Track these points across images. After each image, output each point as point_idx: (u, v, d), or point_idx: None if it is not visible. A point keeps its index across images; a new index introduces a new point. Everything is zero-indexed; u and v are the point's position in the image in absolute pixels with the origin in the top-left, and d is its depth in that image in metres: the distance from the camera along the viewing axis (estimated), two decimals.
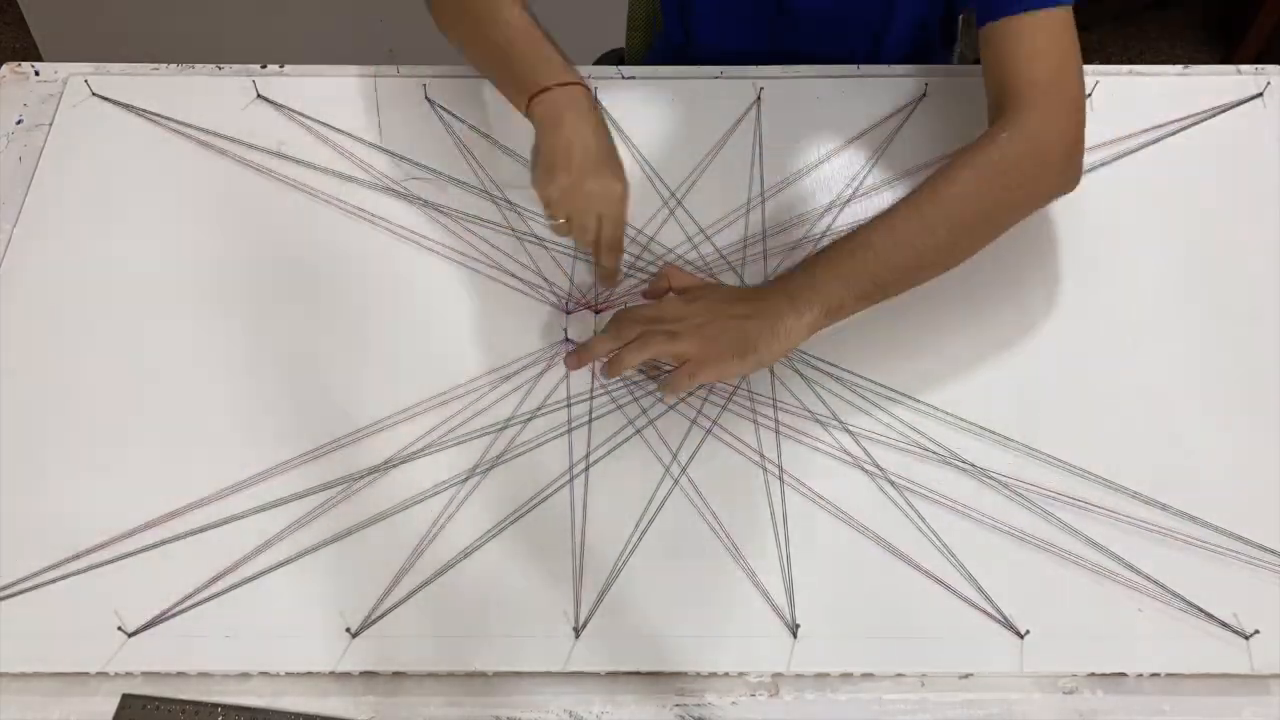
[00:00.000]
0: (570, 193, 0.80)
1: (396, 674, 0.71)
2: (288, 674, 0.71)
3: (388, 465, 0.78)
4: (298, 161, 0.93)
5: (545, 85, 0.81)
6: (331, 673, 0.71)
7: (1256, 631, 0.72)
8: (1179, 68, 1.00)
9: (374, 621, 0.72)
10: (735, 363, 0.75)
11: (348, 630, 0.72)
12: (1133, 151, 0.94)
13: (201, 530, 0.76)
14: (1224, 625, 0.73)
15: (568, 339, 0.84)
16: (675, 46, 1.10)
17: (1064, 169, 0.82)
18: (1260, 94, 0.97)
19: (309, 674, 0.71)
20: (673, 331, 0.75)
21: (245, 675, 0.71)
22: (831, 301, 0.76)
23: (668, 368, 0.80)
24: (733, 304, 0.77)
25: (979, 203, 0.79)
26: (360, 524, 0.76)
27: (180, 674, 0.71)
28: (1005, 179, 0.79)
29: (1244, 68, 0.99)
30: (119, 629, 0.72)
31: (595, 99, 0.84)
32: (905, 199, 0.79)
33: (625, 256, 0.88)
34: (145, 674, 0.71)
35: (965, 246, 0.80)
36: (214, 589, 0.74)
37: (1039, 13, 0.81)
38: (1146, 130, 0.95)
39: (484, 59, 0.88)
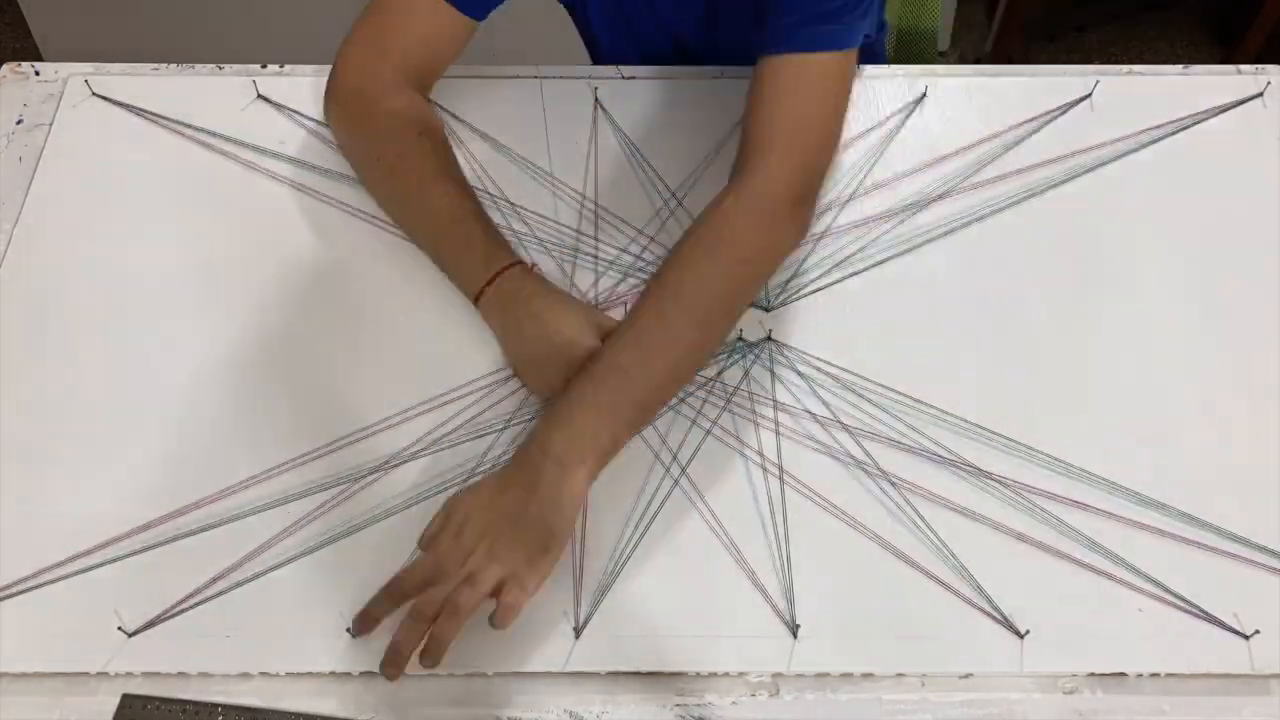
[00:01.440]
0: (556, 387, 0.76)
1: None
2: (288, 674, 0.71)
3: (388, 465, 0.78)
4: (298, 161, 0.93)
5: (477, 289, 0.80)
6: (331, 673, 0.71)
7: (1257, 631, 0.72)
8: (1179, 68, 1.00)
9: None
10: (545, 557, 0.69)
11: (348, 630, 0.72)
12: (1133, 151, 0.94)
13: (201, 530, 0.76)
14: (1224, 625, 0.73)
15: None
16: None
17: (790, 224, 0.80)
18: (1260, 94, 0.97)
19: (309, 674, 0.71)
20: (471, 575, 0.68)
21: (245, 675, 0.71)
22: (601, 444, 0.71)
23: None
24: (502, 504, 0.70)
25: (717, 285, 0.77)
26: (360, 524, 0.76)
27: (180, 674, 0.71)
28: (738, 253, 0.77)
29: (1244, 68, 0.99)
30: (119, 629, 0.72)
31: (527, 277, 0.80)
32: (642, 303, 0.77)
33: (626, 256, 0.88)
34: (145, 674, 0.71)
35: (714, 334, 0.78)
36: (214, 589, 0.74)
37: (802, 55, 0.78)
38: (1146, 130, 0.95)
39: (415, 242, 0.86)
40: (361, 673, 0.71)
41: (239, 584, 0.74)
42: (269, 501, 0.77)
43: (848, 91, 0.82)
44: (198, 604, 0.73)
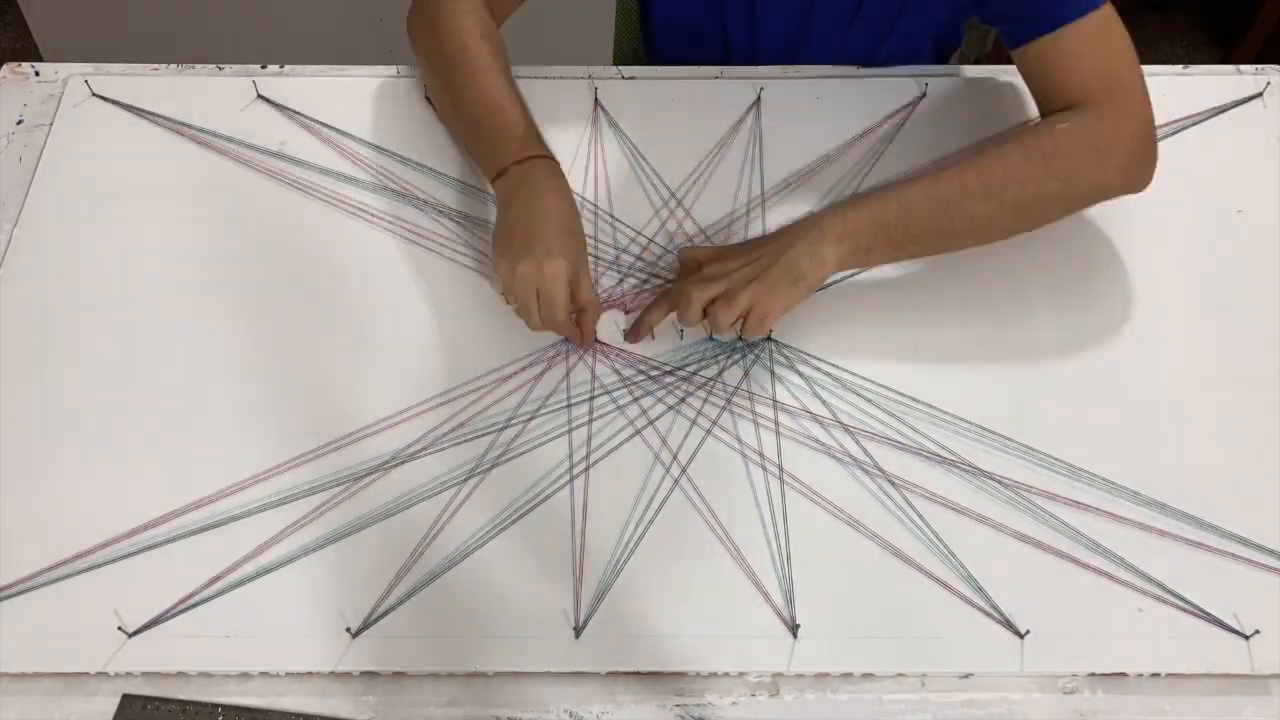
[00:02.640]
0: (509, 278, 0.79)
1: (396, 674, 0.71)
2: (288, 674, 0.71)
3: (388, 465, 0.78)
4: (298, 161, 0.93)
5: (503, 166, 0.82)
6: (331, 673, 0.71)
7: (1257, 632, 0.72)
8: (1179, 68, 1.00)
9: (374, 621, 0.72)
10: (790, 292, 0.78)
11: (348, 630, 0.72)
12: None
13: (201, 530, 0.76)
14: (1224, 625, 0.73)
15: (568, 339, 0.84)
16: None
17: (1126, 167, 0.81)
18: (1260, 94, 0.97)
19: (309, 674, 0.71)
20: (729, 294, 0.78)
21: (245, 675, 0.71)
22: (860, 240, 0.79)
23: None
24: (765, 245, 0.81)
25: (1023, 187, 0.79)
26: (360, 524, 0.76)
27: (180, 674, 0.71)
28: (1055, 169, 0.79)
29: (1244, 68, 0.99)
30: (119, 629, 0.72)
31: (556, 168, 0.83)
32: (951, 165, 0.80)
33: (626, 257, 0.88)
34: (145, 674, 0.71)
35: (1003, 225, 0.81)
36: (214, 589, 0.74)
37: (1077, 21, 0.79)
38: None
39: (460, 136, 0.91)
40: (361, 673, 0.71)
41: (239, 584, 0.74)
42: (269, 501, 0.77)
43: (1129, 40, 0.83)
44: (198, 604, 0.73)
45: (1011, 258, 0.88)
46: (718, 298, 0.79)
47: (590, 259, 0.88)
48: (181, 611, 0.73)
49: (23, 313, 0.85)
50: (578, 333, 0.81)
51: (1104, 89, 0.80)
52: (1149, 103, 0.81)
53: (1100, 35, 0.81)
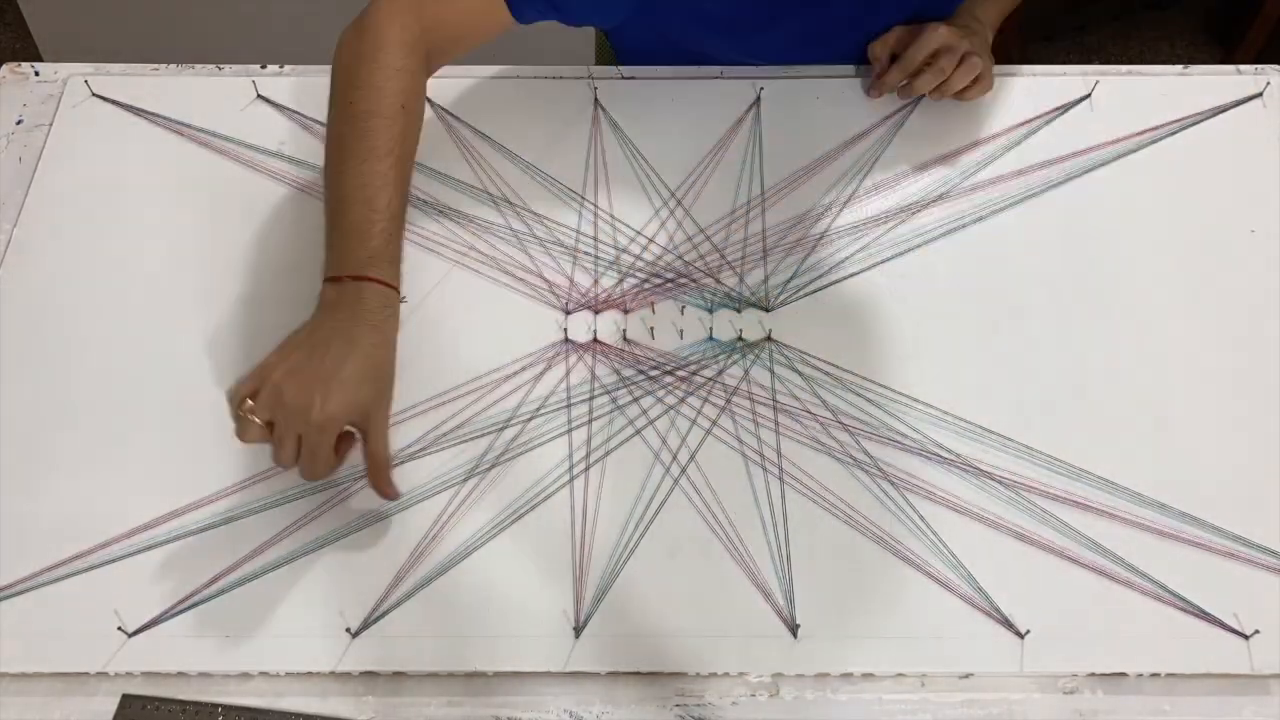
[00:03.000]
0: (271, 395, 0.69)
1: (396, 674, 0.71)
2: (288, 674, 0.71)
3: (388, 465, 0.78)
4: (298, 161, 0.93)
5: (340, 272, 0.73)
6: (331, 673, 0.71)
7: (1256, 631, 0.72)
8: (1179, 68, 1.00)
9: (374, 621, 0.72)
10: (986, 53, 0.93)
11: (348, 630, 0.72)
12: (1133, 151, 0.94)
13: (201, 530, 0.76)
14: (1224, 625, 0.73)
15: (568, 339, 0.84)
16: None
17: None
18: (1260, 94, 0.97)
19: (309, 674, 0.71)
20: (969, 52, 0.91)
21: (245, 675, 0.71)
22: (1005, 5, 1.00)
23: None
24: (956, 22, 0.94)
25: None
26: (360, 524, 0.76)
27: (180, 674, 0.71)
28: None
29: (1244, 68, 0.99)
30: (119, 629, 0.72)
31: (393, 306, 0.74)
32: None
33: (626, 257, 0.88)
34: (145, 674, 0.71)
35: None
36: (214, 589, 0.74)
37: None
38: (1146, 130, 0.95)
39: (325, 204, 0.78)
40: (361, 673, 0.71)
41: (239, 584, 0.74)
42: (269, 501, 0.77)
43: None
44: (198, 604, 0.73)
45: (1012, 258, 0.88)
46: (967, 55, 0.90)
47: (590, 259, 0.88)
48: (181, 611, 0.73)
49: (23, 312, 0.85)
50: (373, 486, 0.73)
51: None
52: None
53: None
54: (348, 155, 0.77)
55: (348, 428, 0.72)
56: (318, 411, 0.68)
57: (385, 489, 0.73)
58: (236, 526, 0.76)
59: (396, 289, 0.75)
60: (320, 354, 0.70)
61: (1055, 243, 0.89)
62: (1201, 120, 0.96)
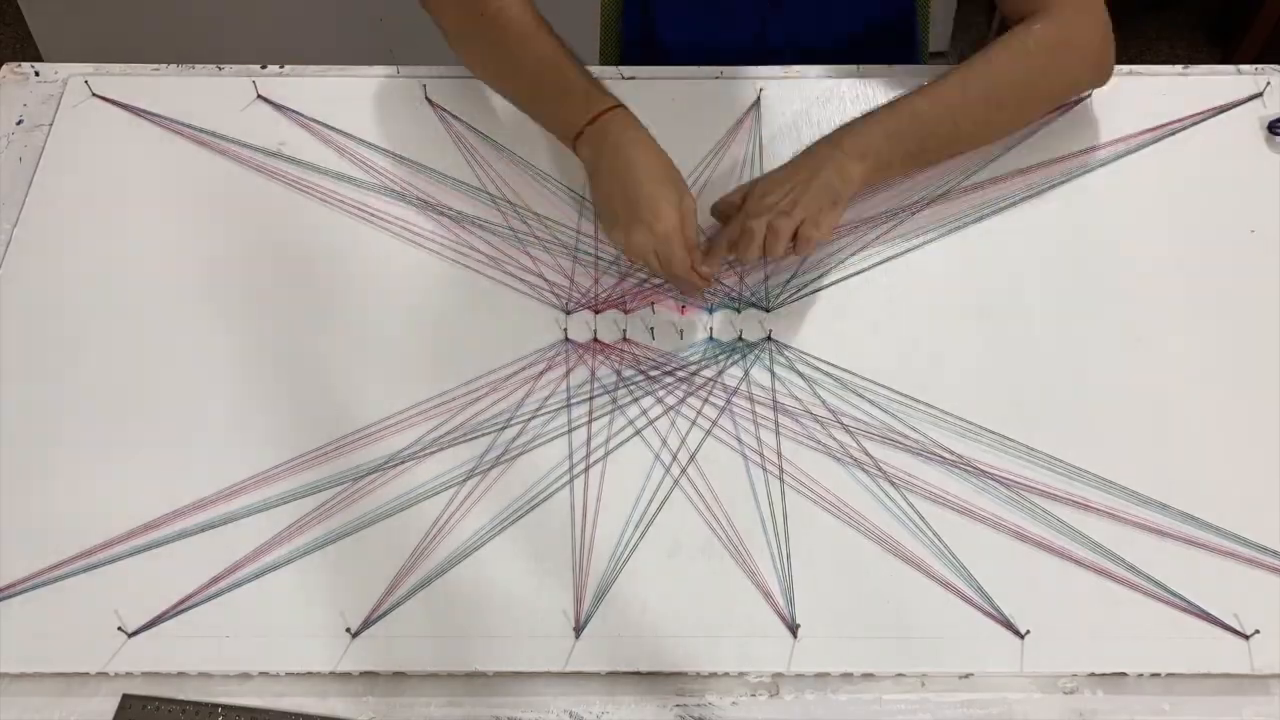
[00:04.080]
0: (626, 249, 0.82)
1: (396, 674, 0.71)
2: (288, 674, 0.71)
3: (388, 465, 0.78)
4: (298, 161, 0.93)
5: (577, 129, 0.83)
6: (331, 673, 0.71)
7: (1256, 631, 0.72)
8: (1179, 68, 1.00)
9: (374, 621, 0.72)
10: (832, 212, 0.82)
11: (348, 630, 0.72)
12: (1133, 151, 0.94)
13: (201, 530, 0.76)
14: (1224, 625, 0.73)
15: (568, 339, 0.84)
16: (637, 45, 1.11)
17: (1095, 62, 0.89)
18: (1260, 94, 0.97)
19: (309, 674, 0.71)
20: (784, 212, 0.80)
21: (245, 675, 0.71)
22: (880, 155, 0.83)
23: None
24: (798, 172, 0.83)
25: (1013, 81, 0.86)
26: (360, 524, 0.76)
27: (180, 674, 0.71)
28: (1038, 62, 0.87)
29: (1244, 68, 0.99)
30: (119, 629, 0.72)
31: (630, 117, 0.84)
32: (948, 74, 0.86)
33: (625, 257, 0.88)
34: (145, 674, 0.71)
35: (998, 123, 0.88)
36: (214, 589, 0.74)
37: None
38: (1146, 130, 0.95)
39: (516, 98, 0.91)
40: (361, 673, 0.71)
41: (239, 584, 0.74)
42: (269, 501, 0.77)
43: None
44: (198, 604, 0.73)
45: (1011, 258, 0.88)
46: (774, 224, 0.81)
47: (590, 259, 0.88)
48: (182, 611, 0.73)
49: (23, 313, 0.85)
50: (700, 281, 0.81)
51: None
52: (1105, 11, 0.88)
53: None
54: (510, 46, 0.86)
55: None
56: (656, 228, 0.79)
57: (707, 277, 0.81)
58: (237, 526, 0.76)
59: (619, 102, 0.84)
60: (623, 198, 0.80)
61: (1055, 243, 0.89)
62: (1201, 120, 0.96)
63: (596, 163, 0.83)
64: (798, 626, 0.72)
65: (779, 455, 0.79)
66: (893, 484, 0.78)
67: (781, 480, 0.78)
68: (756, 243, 0.80)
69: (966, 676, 0.71)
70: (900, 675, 0.71)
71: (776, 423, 0.81)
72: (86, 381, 0.82)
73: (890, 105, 0.86)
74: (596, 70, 0.98)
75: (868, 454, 0.79)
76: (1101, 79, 0.91)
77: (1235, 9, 1.97)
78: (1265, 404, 0.82)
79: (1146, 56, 2.01)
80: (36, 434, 0.80)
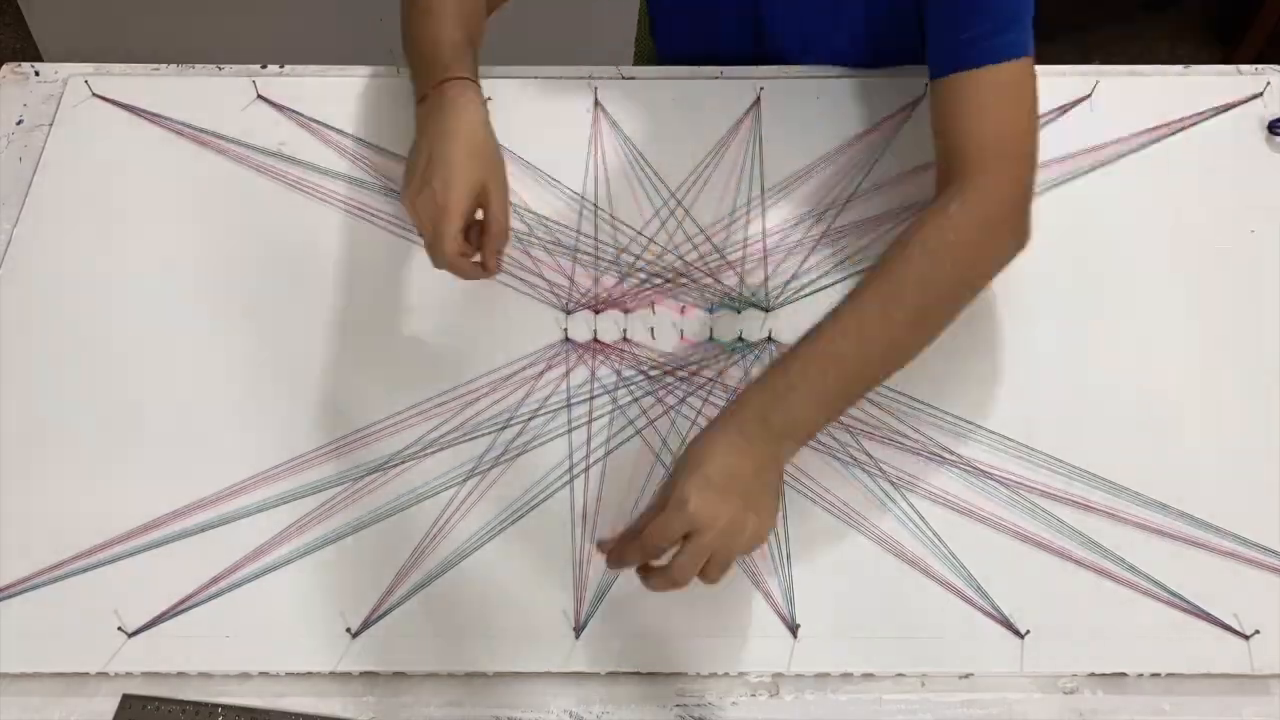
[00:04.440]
0: (410, 211, 0.77)
1: (396, 674, 0.71)
2: (288, 674, 0.71)
3: (388, 465, 0.78)
4: (298, 161, 0.93)
5: (422, 94, 0.81)
6: (331, 673, 0.71)
7: (1256, 631, 0.72)
8: (1179, 68, 1.00)
9: (374, 621, 0.72)
10: (772, 522, 0.69)
11: (348, 630, 0.72)
12: (1133, 151, 0.94)
13: (201, 530, 0.76)
14: (1224, 625, 0.73)
15: (568, 339, 0.84)
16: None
17: (1014, 232, 0.78)
18: (1260, 94, 0.97)
19: (309, 674, 0.71)
20: (725, 549, 0.67)
21: (245, 675, 0.71)
22: (810, 428, 0.72)
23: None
24: (735, 484, 0.67)
25: (941, 290, 0.75)
26: (360, 524, 0.76)
27: (180, 674, 0.71)
28: (960, 256, 0.76)
29: (1244, 68, 0.99)
30: (119, 629, 0.72)
31: (472, 91, 0.80)
32: (862, 294, 0.74)
33: (626, 256, 0.88)
34: (145, 674, 0.71)
35: (928, 338, 0.76)
36: (214, 589, 0.74)
37: (992, 67, 0.77)
38: (1146, 130, 0.95)
39: (406, 52, 0.88)
40: (361, 673, 0.71)
41: (239, 584, 0.74)
42: (269, 501, 0.77)
43: (1037, 96, 0.80)
44: (198, 604, 0.73)
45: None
46: (710, 559, 0.67)
47: (590, 259, 0.88)
48: (182, 611, 0.73)
49: (23, 313, 0.85)
50: (477, 270, 0.77)
51: (996, 152, 0.77)
52: (1035, 163, 0.79)
53: (1013, 86, 0.78)
54: (411, 21, 0.85)
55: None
56: (439, 196, 0.75)
57: (490, 260, 0.78)
58: (236, 526, 0.76)
59: (472, 79, 0.81)
60: (425, 161, 0.77)
61: (1055, 242, 0.89)
62: (1202, 120, 0.96)
63: (422, 124, 0.80)
64: (798, 626, 0.72)
65: None
66: (893, 484, 0.78)
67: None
68: (686, 577, 0.66)
69: (966, 676, 0.71)
70: (900, 675, 0.71)
71: None
72: (86, 381, 0.82)
73: (809, 356, 0.72)
74: (593, 70, 0.99)
75: (868, 454, 0.79)
76: (1020, 248, 0.79)
77: (1235, 9, 1.97)
78: (1265, 404, 0.82)
79: (1146, 56, 2.01)
80: (36, 434, 0.80)
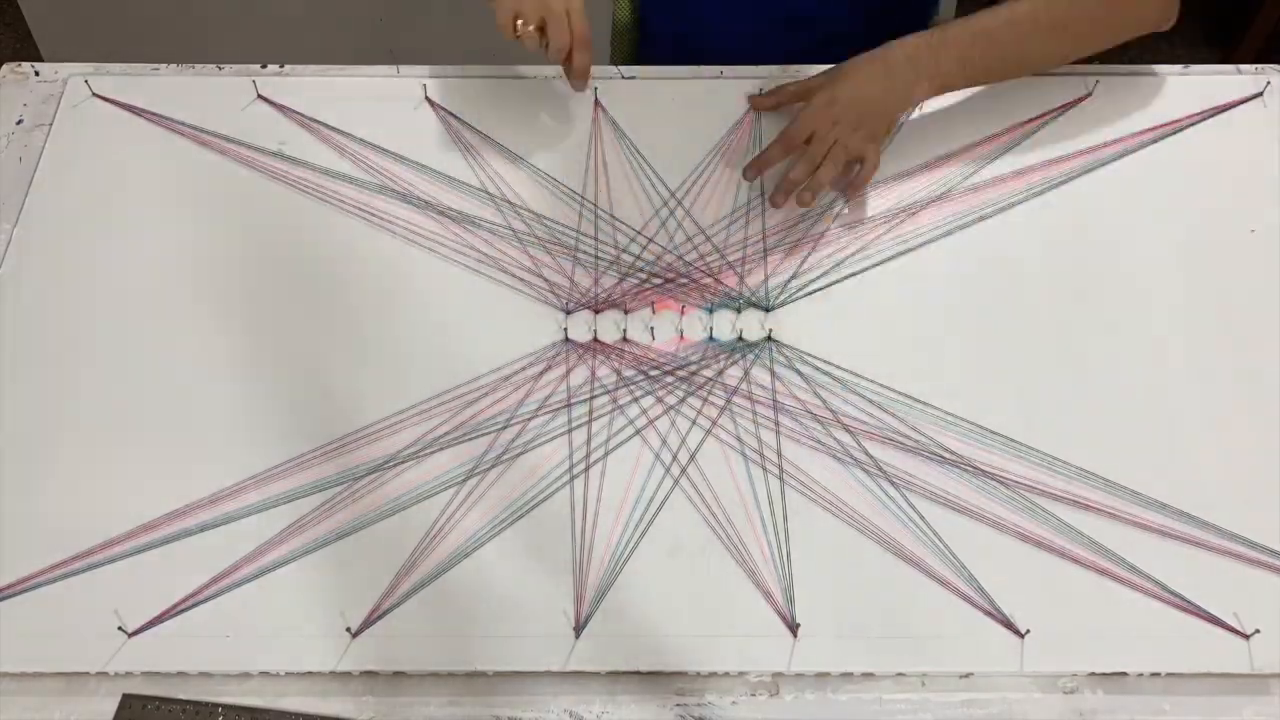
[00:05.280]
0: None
1: (396, 674, 0.71)
2: (288, 674, 0.71)
3: (388, 465, 0.78)
4: (298, 161, 0.93)
5: None
6: (331, 673, 0.71)
7: (1257, 631, 0.72)
8: (1179, 68, 1.00)
9: (374, 621, 0.72)
10: (885, 137, 0.88)
11: (348, 630, 0.72)
12: (1133, 151, 0.94)
13: (201, 530, 0.76)
14: (1224, 625, 0.73)
15: (568, 339, 0.84)
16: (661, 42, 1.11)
17: (1162, 3, 0.89)
18: (1260, 94, 0.97)
19: (309, 674, 0.71)
20: (836, 142, 0.84)
21: (245, 675, 0.71)
22: (948, 80, 0.88)
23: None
24: (867, 89, 0.85)
25: (1086, 12, 0.87)
26: (360, 524, 0.76)
27: (180, 674, 0.71)
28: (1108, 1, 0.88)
29: (1244, 68, 0.99)
30: (119, 629, 0.72)
31: None
32: (1020, 3, 0.86)
33: (626, 256, 0.88)
34: (145, 674, 0.71)
35: (1061, 53, 0.90)
36: (214, 589, 0.74)
37: None
38: (1147, 130, 0.95)
39: None
40: (361, 673, 0.71)
41: (239, 584, 0.74)
42: (269, 501, 0.77)
43: None
44: (198, 604, 0.73)
45: (1011, 258, 0.88)
46: (835, 149, 0.84)
47: (590, 259, 0.88)
48: (182, 611, 0.73)
49: (23, 313, 0.85)
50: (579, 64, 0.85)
51: None
52: None
53: None
54: None
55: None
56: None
57: (581, 70, 0.86)
58: (237, 526, 0.76)
59: None
60: None
61: (1055, 243, 0.89)
62: (1201, 120, 0.96)
63: None
64: (798, 626, 0.72)
65: (779, 455, 0.79)
66: (893, 484, 0.78)
67: (781, 480, 0.78)
68: (812, 165, 0.84)
69: (966, 676, 0.71)
70: (900, 675, 0.71)
71: (777, 422, 0.81)
72: (86, 381, 0.82)
73: (967, 23, 0.87)
74: (598, 69, 0.99)
75: (868, 454, 0.79)
76: (1167, 20, 0.91)
77: (1235, 9, 1.97)
78: (1265, 404, 0.82)
79: (1146, 56, 2.01)
80: (36, 434, 0.80)
